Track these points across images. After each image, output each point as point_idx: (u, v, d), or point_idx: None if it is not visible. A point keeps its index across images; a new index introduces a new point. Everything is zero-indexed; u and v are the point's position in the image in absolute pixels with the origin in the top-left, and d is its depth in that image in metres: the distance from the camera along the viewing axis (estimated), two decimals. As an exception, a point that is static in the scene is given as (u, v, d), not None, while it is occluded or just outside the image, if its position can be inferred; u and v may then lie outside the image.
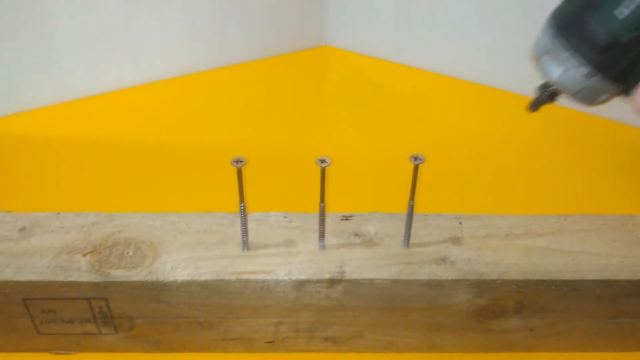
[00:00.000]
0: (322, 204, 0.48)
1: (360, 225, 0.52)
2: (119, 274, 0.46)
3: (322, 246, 0.49)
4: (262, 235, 0.51)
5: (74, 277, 0.46)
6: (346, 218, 0.53)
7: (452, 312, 0.49)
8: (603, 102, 0.29)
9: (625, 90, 0.28)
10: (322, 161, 0.44)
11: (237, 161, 0.44)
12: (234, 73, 1.19)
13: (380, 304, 0.48)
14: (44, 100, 0.99)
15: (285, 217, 0.53)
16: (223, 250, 0.49)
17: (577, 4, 0.27)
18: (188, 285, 0.46)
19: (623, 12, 0.25)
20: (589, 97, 0.29)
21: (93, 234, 0.50)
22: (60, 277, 0.46)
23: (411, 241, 0.50)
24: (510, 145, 0.89)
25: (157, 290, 0.46)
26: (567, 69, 0.28)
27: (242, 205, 0.47)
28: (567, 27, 0.27)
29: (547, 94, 0.32)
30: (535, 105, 0.33)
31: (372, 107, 1.03)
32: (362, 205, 0.65)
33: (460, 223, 0.52)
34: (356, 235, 0.51)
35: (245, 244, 0.49)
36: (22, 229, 0.51)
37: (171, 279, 0.46)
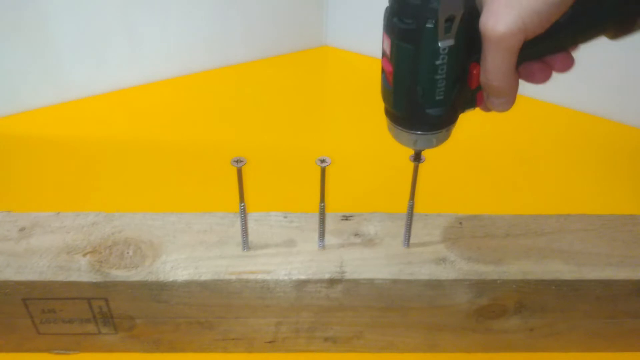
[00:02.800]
0: (322, 204, 0.48)
1: (360, 225, 0.52)
2: (119, 274, 0.46)
3: (322, 246, 0.49)
4: (262, 235, 0.51)
5: (74, 277, 0.46)
6: (346, 218, 0.53)
7: (452, 312, 0.49)
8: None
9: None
10: (322, 161, 0.44)
11: (237, 161, 0.44)
12: (234, 73, 1.19)
13: (380, 304, 0.48)
14: (44, 100, 0.99)
15: (285, 217, 0.53)
16: (223, 250, 0.49)
17: (410, 107, 0.39)
18: (188, 285, 0.46)
19: (440, 99, 0.38)
20: (442, 140, 0.41)
21: (93, 234, 0.50)
22: (60, 277, 0.46)
23: (411, 241, 0.50)
24: (510, 145, 0.89)
25: (157, 290, 0.46)
26: (425, 141, 0.40)
27: (242, 205, 0.47)
28: (415, 123, 0.40)
29: (417, 154, 0.44)
30: (416, 158, 0.45)
31: (372, 107, 1.02)
32: (362, 205, 0.65)
33: (460, 223, 0.52)
34: (356, 235, 0.51)
35: (246, 244, 0.49)
36: (22, 229, 0.51)
37: (171, 279, 0.46)
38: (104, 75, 1.05)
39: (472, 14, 0.35)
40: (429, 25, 0.34)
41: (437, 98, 0.37)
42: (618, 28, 0.37)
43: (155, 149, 0.86)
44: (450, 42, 0.35)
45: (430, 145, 0.41)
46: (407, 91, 0.38)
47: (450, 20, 0.34)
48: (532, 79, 0.39)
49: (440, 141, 0.41)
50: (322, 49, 1.35)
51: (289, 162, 0.82)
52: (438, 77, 0.36)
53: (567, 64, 0.39)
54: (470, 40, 0.36)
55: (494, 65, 0.36)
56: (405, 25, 0.35)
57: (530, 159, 0.86)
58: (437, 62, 0.36)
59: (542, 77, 0.39)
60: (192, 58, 1.15)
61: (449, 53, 0.36)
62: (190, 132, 0.93)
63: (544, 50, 0.38)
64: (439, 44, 0.35)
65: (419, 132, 0.40)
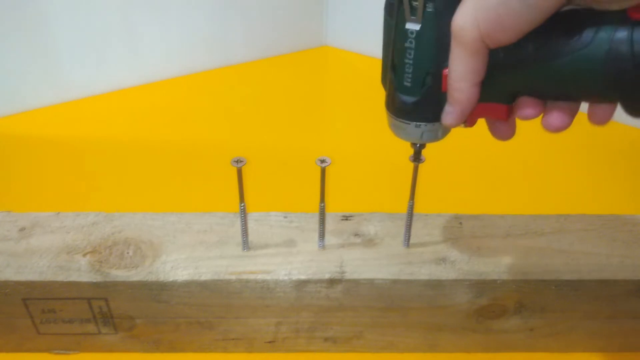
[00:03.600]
0: (322, 204, 0.48)
1: (360, 225, 0.52)
2: (119, 274, 0.46)
3: (322, 246, 0.49)
4: (262, 235, 0.51)
5: (74, 277, 0.46)
6: (346, 218, 0.53)
7: (452, 312, 0.49)
8: (445, 134, 0.41)
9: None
10: (322, 161, 0.44)
11: (237, 161, 0.44)
12: (234, 73, 1.19)
13: (380, 304, 0.48)
14: (44, 100, 0.99)
15: (285, 217, 0.53)
16: (223, 250, 0.49)
17: (387, 85, 0.40)
18: (188, 285, 0.46)
19: (407, 86, 0.38)
20: (413, 136, 0.41)
21: (93, 234, 0.50)
22: (60, 277, 0.46)
23: (411, 241, 0.50)
24: (510, 145, 0.89)
25: (157, 290, 0.46)
26: (397, 128, 0.41)
27: (242, 205, 0.47)
28: (391, 104, 0.40)
29: (418, 147, 0.43)
30: (416, 158, 0.45)
31: (372, 107, 1.03)
32: (362, 205, 0.65)
33: (460, 223, 0.52)
34: (356, 235, 0.51)
35: (246, 244, 0.49)
36: (22, 229, 0.51)
37: (171, 279, 0.46)
38: (104, 75, 1.05)
39: (452, 13, 0.35)
40: (401, 3, 0.36)
41: (405, 84, 0.38)
42: (625, 103, 0.35)
43: (155, 149, 0.86)
44: (416, 26, 0.36)
45: (403, 136, 0.41)
46: (385, 66, 0.39)
47: (415, 2, 0.35)
48: (522, 111, 0.38)
49: (411, 136, 0.41)
50: (322, 49, 1.35)
51: (289, 162, 0.82)
52: (406, 61, 0.37)
53: (560, 121, 0.38)
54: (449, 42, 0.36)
55: (452, 61, 0.35)
56: (391, 0, 0.37)
57: (530, 158, 0.86)
58: (406, 45, 0.37)
59: (531, 113, 0.38)
60: (192, 58, 1.16)
61: (416, 38, 0.36)
62: (190, 132, 0.93)
63: (528, 81, 0.36)
64: (407, 25, 0.36)
65: (393, 116, 0.40)
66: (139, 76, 1.09)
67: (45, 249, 0.49)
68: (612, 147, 0.89)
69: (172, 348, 0.51)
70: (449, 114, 0.38)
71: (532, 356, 0.52)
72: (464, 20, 0.34)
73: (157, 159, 0.83)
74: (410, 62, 0.37)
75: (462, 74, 0.35)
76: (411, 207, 0.48)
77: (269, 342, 0.51)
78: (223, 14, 1.16)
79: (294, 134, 0.93)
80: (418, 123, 0.40)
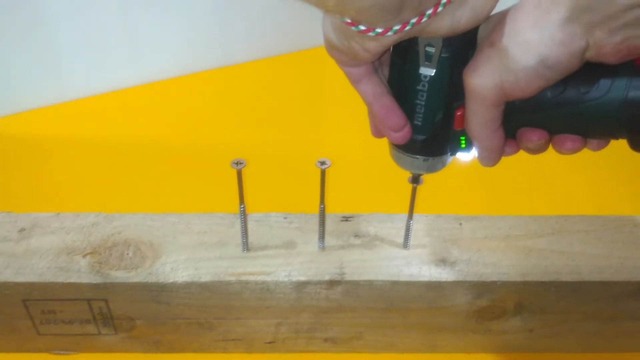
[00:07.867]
0: (322, 206, 0.48)
1: (360, 226, 0.52)
2: (119, 275, 0.46)
3: (322, 247, 0.49)
4: (262, 236, 0.51)
5: (74, 278, 0.46)
6: (346, 219, 0.53)
7: (451, 313, 0.49)
8: (444, 166, 0.42)
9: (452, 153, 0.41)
10: (322, 163, 0.44)
11: (237, 163, 0.44)
12: (234, 73, 1.18)
13: (380, 305, 0.48)
14: (44, 100, 0.99)
15: (285, 218, 0.53)
16: (223, 251, 0.49)
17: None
18: (188, 286, 0.46)
19: (418, 125, 0.38)
20: (420, 168, 0.41)
21: (93, 235, 0.50)
22: (60, 278, 0.46)
23: (411, 242, 0.50)
24: (510, 145, 0.89)
25: (157, 291, 0.46)
26: (403, 161, 0.41)
27: (242, 206, 0.47)
28: (406, 148, 0.40)
29: (418, 176, 0.44)
30: (415, 180, 0.45)
31: (372, 107, 1.02)
32: (362, 206, 0.65)
33: (460, 224, 0.52)
34: (356, 236, 0.51)
35: (245, 245, 0.49)
36: (22, 230, 0.51)
37: (171, 280, 0.46)
38: (104, 75, 1.05)
39: (464, 58, 0.36)
40: (415, 48, 0.35)
41: (416, 123, 0.38)
42: (633, 141, 0.38)
43: (155, 149, 0.86)
44: (430, 71, 0.36)
45: (409, 168, 0.42)
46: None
47: (430, 48, 0.35)
48: (527, 140, 0.39)
49: (417, 169, 0.41)
50: (322, 49, 1.35)
51: (289, 163, 0.82)
52: (418, 102, 0.37)
53: (573, 145, 0.39)
54: (460, 84, 0.36)
55: (470, 114, 0.36)
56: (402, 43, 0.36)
57: (530, 159, 0.85)
58: (418, 87, 0.37)
59: (535, 138, 0.39)
60: (192, 58, 1.15)
61: (430, 82, 0.36)
62: (190, 132, 0.92)
63: (543, 122, 0.37)
64: (420, 70, 0.36)
65: (400, 150, 0.41)
66: (139, 76, 1.09)
67: (45, 250, 0.49)
68: (612, 147, 0.89)
69: (172, 349, 0.51)
70: (484, 159, 0.39)
71: (532, 357, 0.52)
72: (484, 82, 0.34)
73: (157, 159, 0.83)
74: (422, 103, 0.37)
75: (481, 125, 0.36)
76: (411, 212, 0.48)
77: (269, 342, 0.51)
78: (223, 13, 1.16)
79: (294, 135, 0.93)
80: (426, 157, 0.40)
